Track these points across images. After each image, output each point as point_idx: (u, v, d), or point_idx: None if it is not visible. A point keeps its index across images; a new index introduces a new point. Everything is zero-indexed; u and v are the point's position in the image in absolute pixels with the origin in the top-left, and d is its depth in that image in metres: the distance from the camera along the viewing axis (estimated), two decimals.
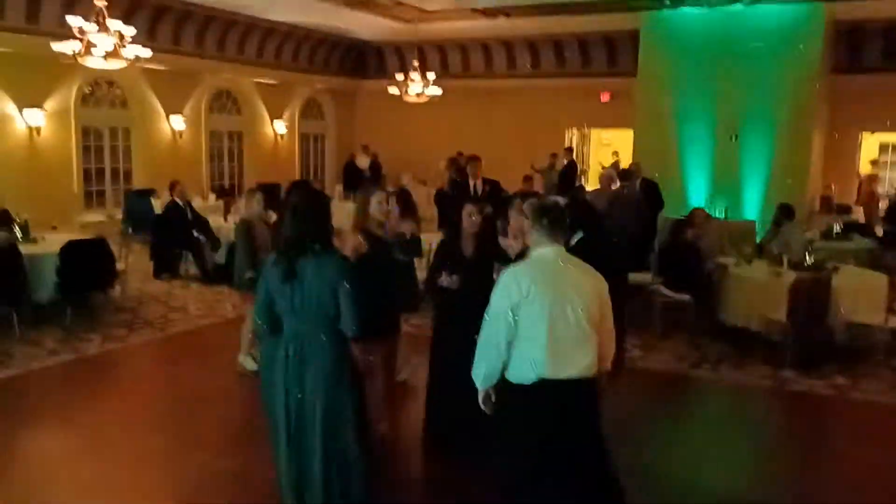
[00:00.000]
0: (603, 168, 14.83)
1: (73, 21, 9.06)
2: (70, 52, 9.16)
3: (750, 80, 13.15)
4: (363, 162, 17.96)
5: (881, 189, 15.35)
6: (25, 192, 12.25)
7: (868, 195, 14.79)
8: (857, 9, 12.92)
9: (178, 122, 15.21)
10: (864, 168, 15.72)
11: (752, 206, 13.38)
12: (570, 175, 14.81)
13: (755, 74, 13.08)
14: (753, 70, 13.11)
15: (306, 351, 3.69)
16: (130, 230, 11.54)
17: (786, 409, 6.57)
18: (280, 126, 17.77)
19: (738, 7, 13.03)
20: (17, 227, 8.44)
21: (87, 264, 8.16)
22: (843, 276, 7.64)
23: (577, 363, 3.54)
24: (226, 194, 13.83)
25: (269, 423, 4.29)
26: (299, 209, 3.72)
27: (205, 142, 16.07)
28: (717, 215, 13.10)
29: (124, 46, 9.38)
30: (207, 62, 15.41)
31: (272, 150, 17.83)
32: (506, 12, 14.31)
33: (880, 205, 14.44)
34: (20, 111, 12.58)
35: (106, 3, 9.23)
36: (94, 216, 13.44)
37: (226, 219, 11.02)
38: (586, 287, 3.62)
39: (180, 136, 15.39)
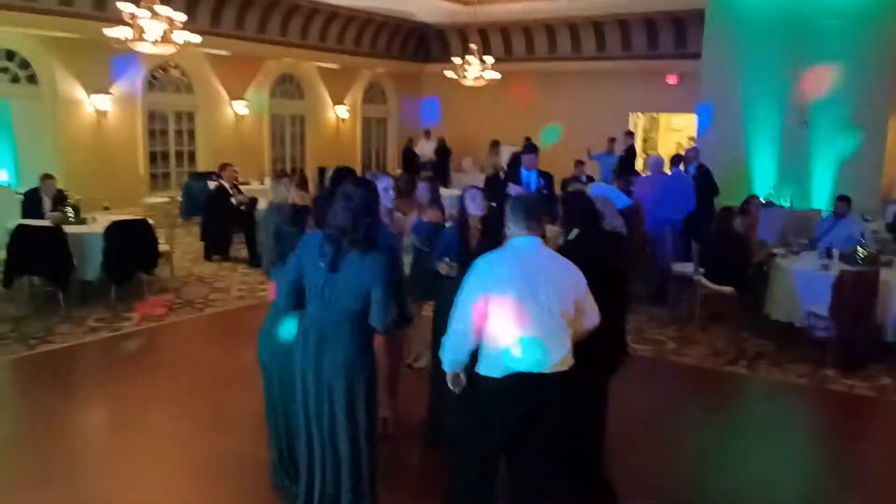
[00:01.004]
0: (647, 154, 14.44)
1: (125, 7, 9.30)
2: (122, 38, 9.41)
3: (822, 61, 12.47)
4: (422, 147, 17.96)
5: None
6: (93, 174, 12.76)
7: None
8: None
9: (240, 107, 15.50)
10: None
11: (822, 195, 12.72)
12: (629, 160, 14.38)
13: (827, 56, 12.40)
14: (825, 51, 12.43)
15: (327, 338, 3.64)
16: (183, 212, 11.91)
17: (818, 410, 6.24)
18: (342, 110, 17.91)
19: None
20: (69, 208, 8.73)
21: (130, 245, 8.40)
22: None
23: (550, 356, 3.43)
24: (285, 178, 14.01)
25: (269, 402, 4.33)
26: (353, 200, 3.61)
27: (267, 126, 16.33)
28: (782, 203, 12.57)
29: (173, 32, 9.58)
30: (270, 47, 15.62)
31: (334, 135, 18.00)
32: None
33: None
34: (88, 96, 13.04)
35: None
36: (159, 198, 13.84)
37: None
38: (563, 279, 3.50)
39: (243, 120, 15.68)
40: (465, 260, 4.72)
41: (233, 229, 10.99)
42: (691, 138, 17.91)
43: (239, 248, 11.21)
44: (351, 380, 3.67)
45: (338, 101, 17.84)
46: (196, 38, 9.89)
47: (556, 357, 3.45)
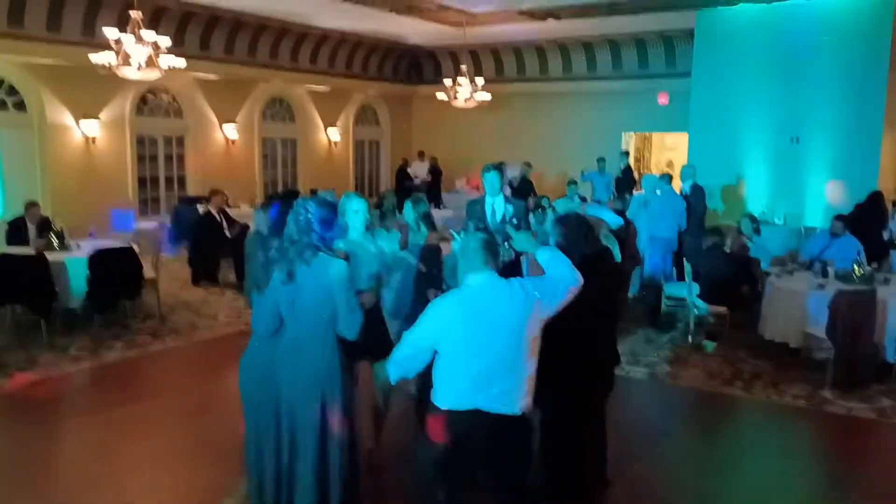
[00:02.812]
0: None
1: (109, 33, 9.24)
2: (106, 64, 9.34)
3: (812, 78, 12.46)
4: (416, 168, 17.89)
5: None
6: (82, 199, 12.64)
7: None
8: None
9: (231, 130, 15.42)
10: None
11: (815, 212, 12.64)
12: (626, 179, 14.34)
13: (817, 72, 12.39)
14: (816, 68, 12.42)
15: (302, 354, 3.67)
16: (172, 238, 11.78)
17: (817, 433, 6.07)
18: (334, 133, 17.83)
19: (797, 2, 12.36)
20: (53, 235, 8.60)
21: (114, 273, 8.26)
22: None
23: (502, 399, 3.36)
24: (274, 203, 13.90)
25: (247, 425, 4.17)
26: (301, 214, 3.65)
27: (258, 149, 16.25)
28: (776, 222, 12.50)
29: (159, 56, 9.52)
30: (260, 70, 15.58)
31: (326, 157, 17.91)
32: (555, 15, 13.96)
33: None
34: (77, 122, 12.95)
35: (141, 16, 9.40)
36: (149, 223, 13.71)
37: None
38: (521, 315, 3.38)
39: (233, 144, 15.60)
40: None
41: (221, 255, 10.86)
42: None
43: (227, 273, 11.10)
44: (324, 394, 3.67)
45: (330, 123, 17.77)
46: (181, 63, 9.83)
47: (507, 400, 3.37)
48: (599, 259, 4.29)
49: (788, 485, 5.07)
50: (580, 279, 3.53)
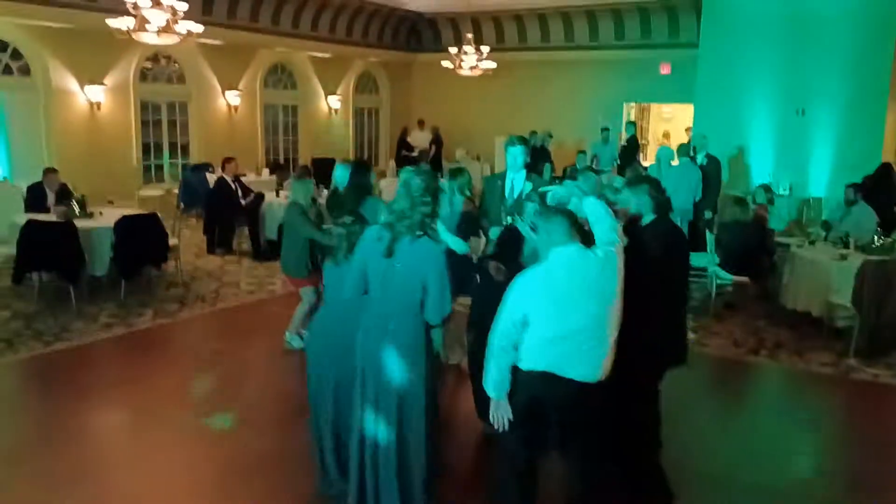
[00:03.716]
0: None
1: None
2: (125, 28, 9.22)
3: (819, 49, 12.56)
4: (416, 137, 17.86)
5: None
6: (86, 166, 12.49)
7: None
8: None
9: (233, 97, 15.29)
10: None
11: (819, 184, 12.83)
12: (630, 150, 14.42)
13: (824, 44, 12.48)
14: (822, 39, 12.51)
15: (388, 332, 3.65)
16: (183, 206, 11.72)
17: (849, 399, 6.26)
18: (334, 100, 17.72)
19: None
20: (74, 202, 8.55)
21: (140, 240, 8.26)
22: None
23: (588, 368, 3.46)
24: (280, 169, 13.85)
25: (317, 399, 4.21)
26: (412, 185, 3.64)
27: (260, 116, 16.14)
28: (781, 192, 12.66)
29: (177, 22, 9.41)
30: (262, 36, 15.42)
31: (326, 125, 17.82)
32: None
33: None
34: (81, 87, 12.78)
35: None
36: (153, 190, 13.63)
37: (278, 194, 11.03)
38: (608, 285, 3.47)
39: (236, 111, 15.47)
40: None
41: (236, 223, 10.85)
42: (688, 129, 18.03)
43: (241, 241, 11.11)
44: (409, 372, 3.68)
45: (330, 91, 17.66)
46: (199, 28, 9.73)
47: (589, 370, 3.47)
48: (674, 231, 4.38)
49: (824, 450, 5.26)
50: (621, 240, 3.60)
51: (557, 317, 3.42)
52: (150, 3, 9.24)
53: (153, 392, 5.87)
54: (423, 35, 19.32)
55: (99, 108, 13.00)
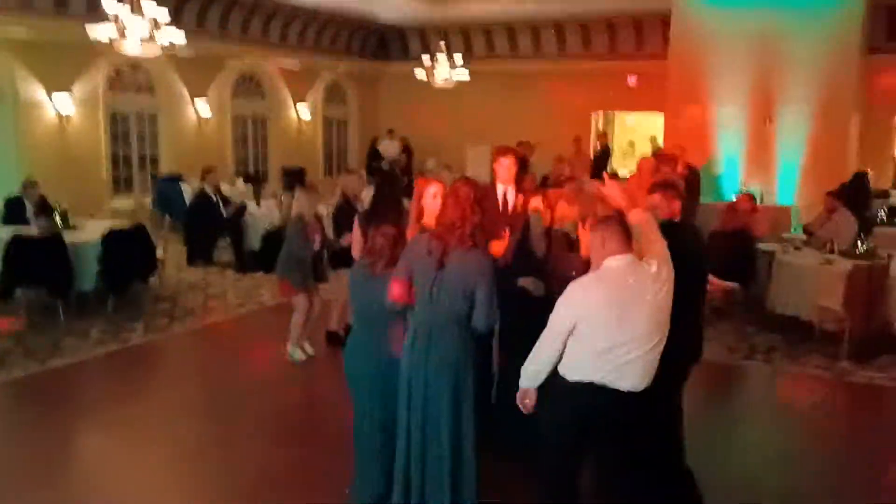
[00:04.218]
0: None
1: (108, 6, 8.94)
2: (106, 39, 9.05)
3: (786, 60, 12.94)
4: (386, 147, 17.84)
5: None
6: (56, 178, 12.15)
7: None
8: None
9: (203, 108, 15.09)
10: None
11: (788, 192, 13.19)
12: (603, 160, 14.64)
13: (791, 55, 12.86)
14: (789, 50, 12.89)
15: (435, 340, 3.66)
16: (168, 217, 11.50)
17: (853, 402, 6.42)
18: (303, 110, 17.62)
19: None
20: (57, 215, 8.35)
21: (128, 253, 8.11)
22: None
23: (631, 379, 3.50)
24: (253, 180, 13.72)
25: (359, 412, 4.13)
26: (461, 196, 3.65)
27: (229, 127, 15.95)
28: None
29: (158, 31, 9.28)
30: (231, 46, 15.28)
31: (296, 135, 17.69)
32: None
33: None
34: (49, 97, 12.47)
35: None
36: (123, 203, 13.36)
37: (258, 204, 10.92)
38: (657, 297, 3.52)
39: (205, 122, 15.26)
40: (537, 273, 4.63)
41: (217, 234, 10.70)
42: (653, 138, 18.36)
43: (221, 253, 10.96)
44: (456, 381, 3.70)
45: (299, 101, 17.54)
46: (182, 39, 9.60)
47: (637, 380, 3.51)
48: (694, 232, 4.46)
49: (845, 456, 5.40)
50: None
51: (610, 328, 3.44)
52: (130, 11, 9.12)
53: (160, 408, 5.78)
54: (392, 46, 19.33)
55: (68, 119, 12.70)
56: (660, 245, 3.67)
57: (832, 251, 7.87)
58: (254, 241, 10.34)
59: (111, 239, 7.93)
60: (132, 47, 9.17)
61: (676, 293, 3.85)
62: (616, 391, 3.49)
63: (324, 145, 18.66)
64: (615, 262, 3.52)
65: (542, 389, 3.74)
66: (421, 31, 18.50)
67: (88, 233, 8.28)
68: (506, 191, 5.42)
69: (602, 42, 16.97)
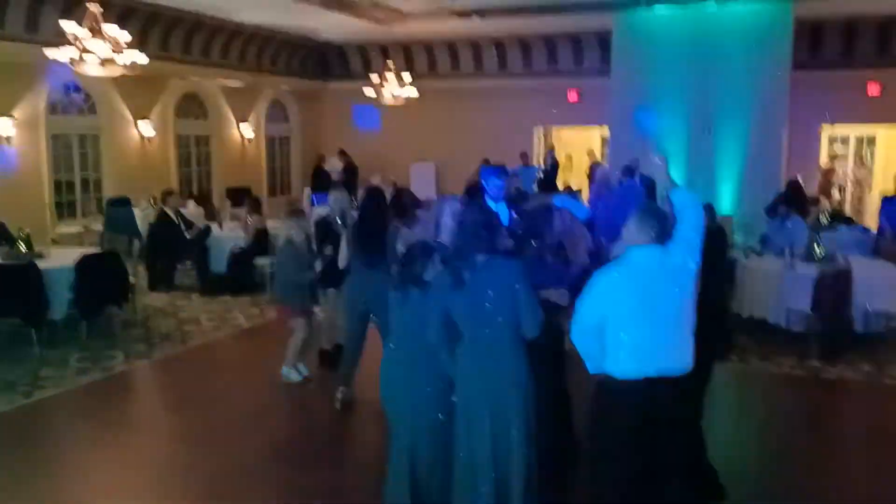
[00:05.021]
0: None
1: (68, 27, 8.71)
2: (66, 60, 8.81)
3: (722, 76, 13.56)
4: (331, 165, 17.77)
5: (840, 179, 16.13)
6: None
7: (824, 188, 15.47)
8: (817, 7, 13.45)
9: (146, 128, 14.75)
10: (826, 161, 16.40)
11: (727, 202, 13.79)
12: (552, 174, 14.99)
13: (728, 68, 13.48)
14: (726, 64, 13.51)
15: (490, 359, 3.74)
16: (105, 241, 11.09)
17: (835, 398, 6.79)
18: (246, 129, 17.42)
19: (710, 6, 13.41)
20: (20, 242, 8.05)
21: (102, 279, 7.89)
22: (856, 266, 7.96)
23: (678, 359, 3.64)
24: (205, 201, 13.50)
25: (401, 436, 4.09)
26: (467, 223, 3.76)
27: (173, 147, 15.63)
28: None
29: (121, 52, 9.09)
30: (173, 65, 14.99)
31: (240, 154, 17.46)
32: (480, 13, 14.36)
33: (836, 197, 15.30)
34: None
35: (101, 9, 8.94)
36: (69, 227, 12.93)
37: (221, 227, 10.77)
38: (687, 280, 3.66)
39: (149, 142, 14.93)
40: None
41: (179, 258, 10.49)
42: (590, 152, 18.89)
43: (182, 277, 10.75)
44: (522, 394, 3.78)
45: (242, 119, 17.33)
46: (144, 59, 9.43)
47: (684, 359, 3.66)
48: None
49: (839, 451, 5.73)
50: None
51: (646, 316, 3.56)
52: (91, 34, 8.92)
53: (162, 438, 5.67)
54: (332, 64, 19.30)
55: (9, 141, 12.23)
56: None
57: (793, 256, 8.31)
58: (219, 264, 10.17)
59: (85, 265, 7.70)
60: (93, 69, 8.94)
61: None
62: (670, 378, 3.62)
63: (267, 163, 18.45)
64: (643, 251, 3.65)
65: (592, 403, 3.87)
66: (362, 49, 18.56)
67: (57, 259, 8.01)
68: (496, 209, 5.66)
69: (542, 59, 17.38)
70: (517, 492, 3.77)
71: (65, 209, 13.56)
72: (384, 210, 6.18)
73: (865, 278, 7.64)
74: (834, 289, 7.33)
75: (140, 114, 14.73)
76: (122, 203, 12.55)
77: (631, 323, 3.58)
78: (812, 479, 5.04)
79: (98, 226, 12.66)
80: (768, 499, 4.77)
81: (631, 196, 10.21)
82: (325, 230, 6.76)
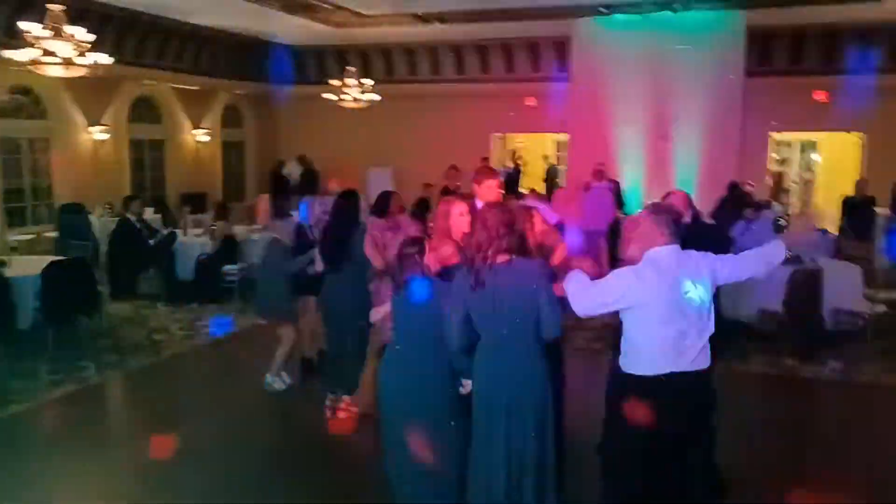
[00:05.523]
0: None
1: (28, 27, 8.41)
2: (26, 61, 8.51)
3: (679, 82, 13.87)
4: (290, 170, 17.58)
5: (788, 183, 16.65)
6: None
7: (774, 192, 15.95)
8: (767, 16, 13.86)
9: (98, 133, 14.33)
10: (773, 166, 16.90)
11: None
12: (514, 179, 15.09)
13: (684, 74, 13.79)
14: (682, 73, 13.82)
15: (508, 361, 3.72)
16: (58, 250, 10.72)
17: (811, 397, 6.97)
18: (201, 134, 17.08)
19: (667, 14, 13.68)
20: None
21: (70, 288, 7.63)
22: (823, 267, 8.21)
23: (696, 358, 3.70)
24: (164, 208, 13.19)
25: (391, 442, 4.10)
26: (489, 222, 3.72)
27: (126, 152, 15.22)
28: None
29: (84, 55, 8.83)
30: (126, 68, 14.59)
31: (194, 159, 17.10)
32: (442, 18, 14.37)
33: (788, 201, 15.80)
34: None
35: (63, 8, 8.65)
36: (20, 236, 12.47)
37: (185, 233, 10.53)
38: (701, 271, 3.72)
39: (101, 147, 14.51)
40: None
41: (142, 265, 10.20)
42: (545, 157, 19.09)
43: (144, 285, 10.46)
44: (540, 395, 3.77)
45: (197, 124, 16.99)
46: (108, 60, 9.17)
47: (702, 359, 3.73)
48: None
49: (833, 449, 5.87)
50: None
51: (672, 314, 3.60)
52: (51, 35, 8.63)
53: (145, 449, 5.40)
54: (288, 68, 19.04)
55: None
56: None
57: None
58: (184, 271, 9.93)
59: (52, 273, 7.44)
60: (55, 70, 8.66)
61: None
62: (694, 372, 3.68)
63: (223, 168, 18.12)
64: (664, 251, 3.70)
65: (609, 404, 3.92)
66: (319, 53, 18.39)
67: (20, 268, 7.72)
68: None
69: (500, 65, 17.46)
70: (531, 492, 3.77)
71: (15, 217, 13.08)
72: (354, 212, 6.15)
73: (832, 278, 7.88)
74: (806, 288, 7.54)
75: (92, 118, 14.32)
76: (76, 209, 12.15)
77: (651, 322, 3.62)
78: (791, 478, 5.12)
79: (50, 233, 12.27)
80: (751, 497, 4.84)
81: (602, 198, 10.40)
82: (299, 237, 6.71)
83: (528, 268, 3.78)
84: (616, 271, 3.77)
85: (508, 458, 3.74)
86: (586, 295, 3.74)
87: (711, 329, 3.75)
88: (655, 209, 4.12)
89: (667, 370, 3.67)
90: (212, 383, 7.06)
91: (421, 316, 3.97)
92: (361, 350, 5.79)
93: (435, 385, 3.97)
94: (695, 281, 3.65)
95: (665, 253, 3.70)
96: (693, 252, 3.80)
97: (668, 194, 6.06)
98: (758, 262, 3.93)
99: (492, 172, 5.89)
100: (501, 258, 3.72)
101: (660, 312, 3.62)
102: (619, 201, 10.99)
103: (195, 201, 15.16)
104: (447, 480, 3.96)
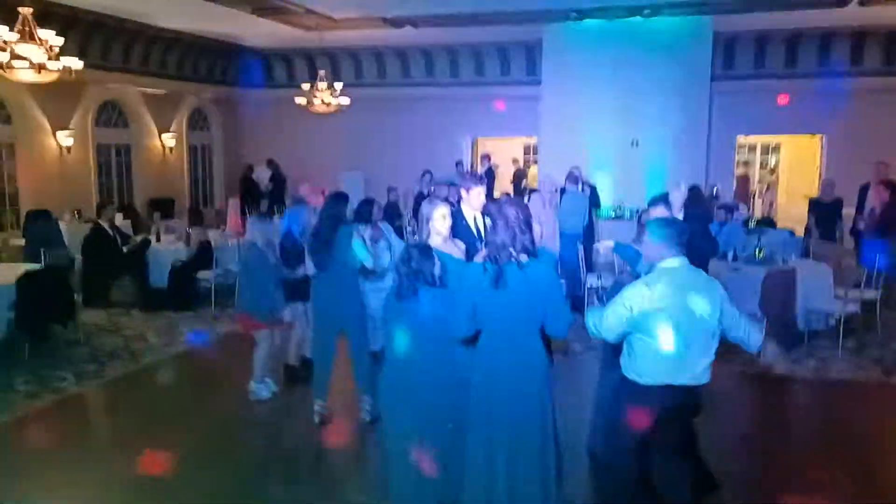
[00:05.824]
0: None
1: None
2: None
3: (647, 88, 14.08)
4: (260, 174, 17.43)
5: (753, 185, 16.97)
6: None
7: (741, 195, 16.24)
8: (733, 22, 14.13)
9: (64, 138, 14.08)
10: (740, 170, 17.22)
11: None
12: (488, 183, 15.12)
13: (653, 80, 14.01)
14: (650, 79, 14.04)
15: (511, 356, 3.75)
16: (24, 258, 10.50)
17: (789, 395, 7.13)
18: (168, 138, 16.86)
19: (636, 20, 13.87)
20: None
21: (45, 296, 7.49)
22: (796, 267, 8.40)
23: (698, 370, 3.82)
24: (133, 214, 13.00)
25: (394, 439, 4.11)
26: (510, 218, 3.74)
27: (93, 157, 14.98)
28: (626, 217, 13.93)
29: (57, 58, 8.69)
30: (92, 72, 14.36)
31: (161, 164, 16.88)
32: (413, 23, 14.40)
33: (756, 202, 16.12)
34: None
35: (32, 12, 8.51)
36: None
37: (158, 239, 10.40)
38: (712, 293, 3.85)
39: (68, 152, 14.26)
40: None
41: (115, 273, 10.04)
42: (515, 160, 19.20)
43: (117, 292, 10.30)
44: (540, 391, 3.81)
45: (164, 128, 16.77)
46: (78, 64, 9.02)
47: (705, 373, 3.87)
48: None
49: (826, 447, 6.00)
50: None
51: (683, 326, 3.70)
52: (17, 38, 8.49)
53: (133, 461, 5.33)
54: (256, 72, 18.92)
55: None
56: None
57: (735, 258, 8.68)
58: (158, 278, 9.80)
59: (26, 282, 7.30)
60: (26, 74, 8.50)
61: None
62: (686, 387, 3.79)
63: (189, 173, 17.91)
64: (675, 263, 3.80)
65: (614, 399, 3.99)
66: (287, 57, 18.29)
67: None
68: (475, 216, 5.61)
69: (470, 69, 17.53)
70: (532, 490, 3.81)
71: None
72: (340, 215, 6.15)
73: (804, 278, 8.07)
74: (781, 288, 7.70)
75: (58, 123, 14.07)
76: (43, 216, 11.89)
77: (659, 333, 3.70)
78: (771, 474, 5.25)
79: (16, 241, 12.02)
80: (729, 493, 4.88)
81: (577, 201, 10.49)
82: (291, 247, 6.67)
83: (542, 267, 3.80)
84: (629, 284, 3.87)
85: (510, 459, 3.77)
86: (607, 318, 3.83)
87: (714, 349, 3.84)
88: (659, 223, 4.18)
89: (667, 382, 3.75)
90: (196, 391, 6.98)
91: (423, 324, 3.99)
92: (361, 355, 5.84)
93: (435, 391, 3.99)
94: (704, 298, 3.74)
95: (676, 266, 3.79)
96: (702, 272, 3.89)
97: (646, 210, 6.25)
98: (744, 335, 4.01)
99: (478, 180, 6.00)
100: (523, 257, 3.75)
101: (668, 323, 3.70)
102: (595, 204, 11.10)
103: (163, 206, 14.95)
104: (447, 482, 3.99)
